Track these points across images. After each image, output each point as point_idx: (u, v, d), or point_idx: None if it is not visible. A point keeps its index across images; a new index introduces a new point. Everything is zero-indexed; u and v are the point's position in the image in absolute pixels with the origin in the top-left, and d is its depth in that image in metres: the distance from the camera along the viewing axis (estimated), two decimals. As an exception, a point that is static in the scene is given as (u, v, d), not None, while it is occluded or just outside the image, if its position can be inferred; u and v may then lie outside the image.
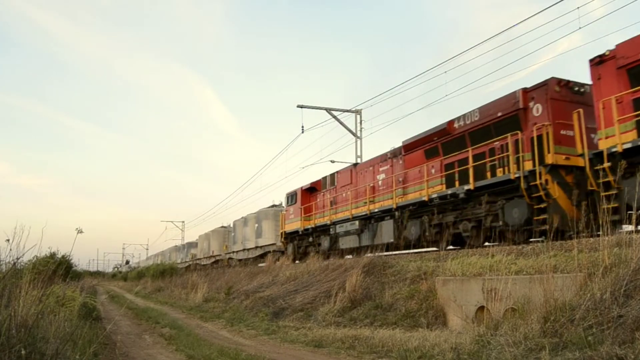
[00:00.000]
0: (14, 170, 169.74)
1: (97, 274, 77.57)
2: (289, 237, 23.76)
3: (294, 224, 23.15)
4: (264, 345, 9.34)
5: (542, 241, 9.26)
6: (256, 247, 30.34)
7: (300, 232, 22.31)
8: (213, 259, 40.65)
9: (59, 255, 13.61)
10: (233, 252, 35.05)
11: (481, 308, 8.37)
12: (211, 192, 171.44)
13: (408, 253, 14.42)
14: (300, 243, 22.89)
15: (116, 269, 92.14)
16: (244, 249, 32.42)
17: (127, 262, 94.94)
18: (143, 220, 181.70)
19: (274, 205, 30.64)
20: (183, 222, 66.50)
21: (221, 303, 17.39)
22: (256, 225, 30.51)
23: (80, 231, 5.21)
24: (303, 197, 22.71)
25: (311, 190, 22.70)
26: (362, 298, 11.40)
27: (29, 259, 7.33)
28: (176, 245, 61.33)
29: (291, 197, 23.99)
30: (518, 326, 6.15)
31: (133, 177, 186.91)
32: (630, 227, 7.85)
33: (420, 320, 9.36)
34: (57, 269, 9.66)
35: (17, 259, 4.90)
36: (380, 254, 13.99)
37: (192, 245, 51.60)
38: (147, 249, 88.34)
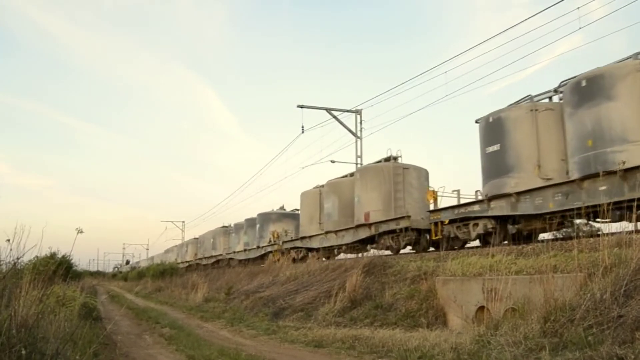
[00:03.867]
0: (14, 170, 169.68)
1: (98, 274, 77.52)
2: None
3: None
4: (264, 345, 9.34)
5: (542, 241, 9.25)
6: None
7: None
8: (350, 236, 18.48)
9: (59, 255, 13.56)
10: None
11: (481, 308, 8.37)
12: (211, 192, 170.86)
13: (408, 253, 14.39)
14: None
15: (116, 269, 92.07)
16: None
17: (128, 262, 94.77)
18: (143, 220, 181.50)
19: None
20: (183, 222, 66.01)
21: (221, 303, 17.41)
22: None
23: (80, 231, 5.20)
24: None
25: None
26: (362, 298, 11.40)
27: (29, 259, 7.37)
28: (225, 226, 37.42)
29: None
30: (518, 326, 6.15)
31: (133, 177, 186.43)
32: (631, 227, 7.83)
33: (420, 320, 9.36)
34: (57, 269, 9.63)
35: (18, 259, 4.92)
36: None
37: (269, 218, 27.93)
38: (147, 249, 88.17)
